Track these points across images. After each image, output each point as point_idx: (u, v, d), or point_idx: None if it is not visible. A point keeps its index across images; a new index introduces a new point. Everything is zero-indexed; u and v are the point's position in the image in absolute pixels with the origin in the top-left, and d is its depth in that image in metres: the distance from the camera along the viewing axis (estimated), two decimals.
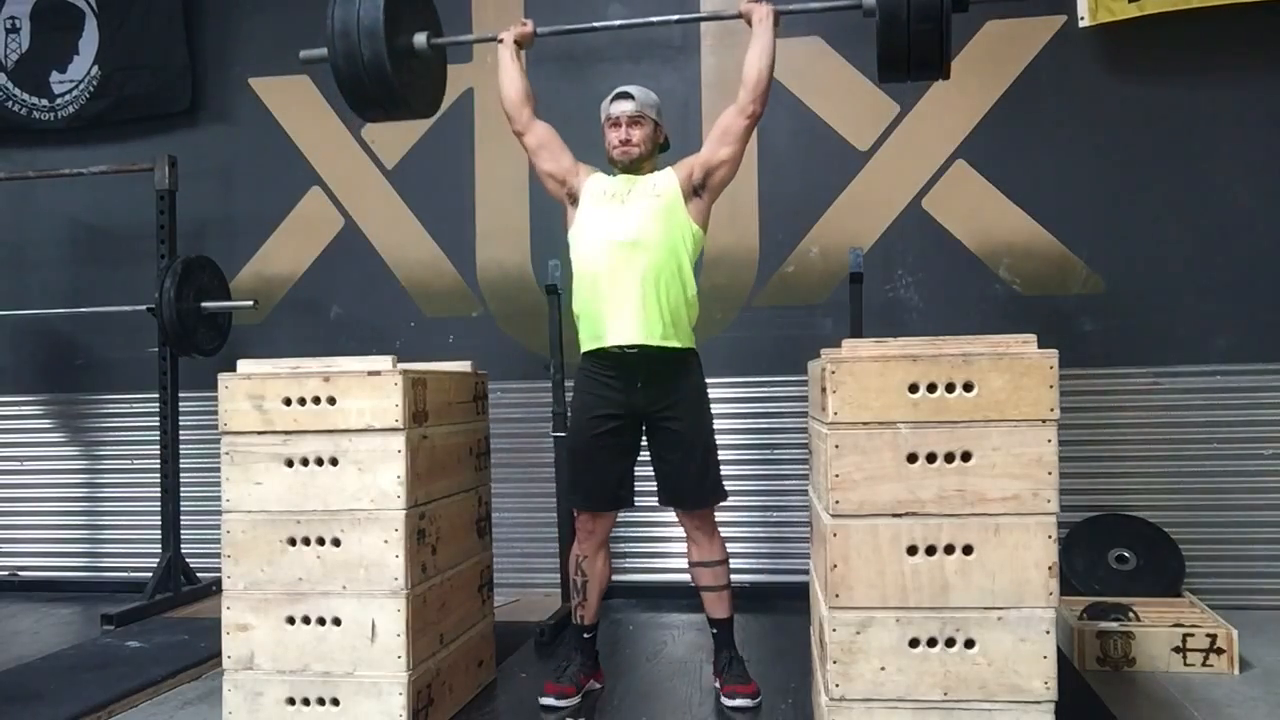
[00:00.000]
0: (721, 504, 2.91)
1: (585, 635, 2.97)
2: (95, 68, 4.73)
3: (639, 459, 2.94)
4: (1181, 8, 3.78)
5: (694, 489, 2.85)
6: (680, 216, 2.83)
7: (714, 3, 4.33)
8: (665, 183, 2.86)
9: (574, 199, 2.93)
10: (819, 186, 4.23)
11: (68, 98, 4.77)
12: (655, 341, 2.75)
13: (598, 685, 3.00)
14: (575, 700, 2.86)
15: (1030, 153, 4.09)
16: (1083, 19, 3.91)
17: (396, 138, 4.53)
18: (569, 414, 2.98)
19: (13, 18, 4.84)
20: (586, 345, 2.86)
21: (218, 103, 4.73)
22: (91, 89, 4.74)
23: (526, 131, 2.97)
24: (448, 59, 3.43)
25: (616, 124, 2.88)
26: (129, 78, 4.70)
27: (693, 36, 4.34)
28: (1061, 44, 4.03)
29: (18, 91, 4.81)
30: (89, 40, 4.76)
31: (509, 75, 3.01)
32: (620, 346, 2.76)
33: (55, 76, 4.78)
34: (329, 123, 4.59)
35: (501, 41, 3.05)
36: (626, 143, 2.86)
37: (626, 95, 2.88)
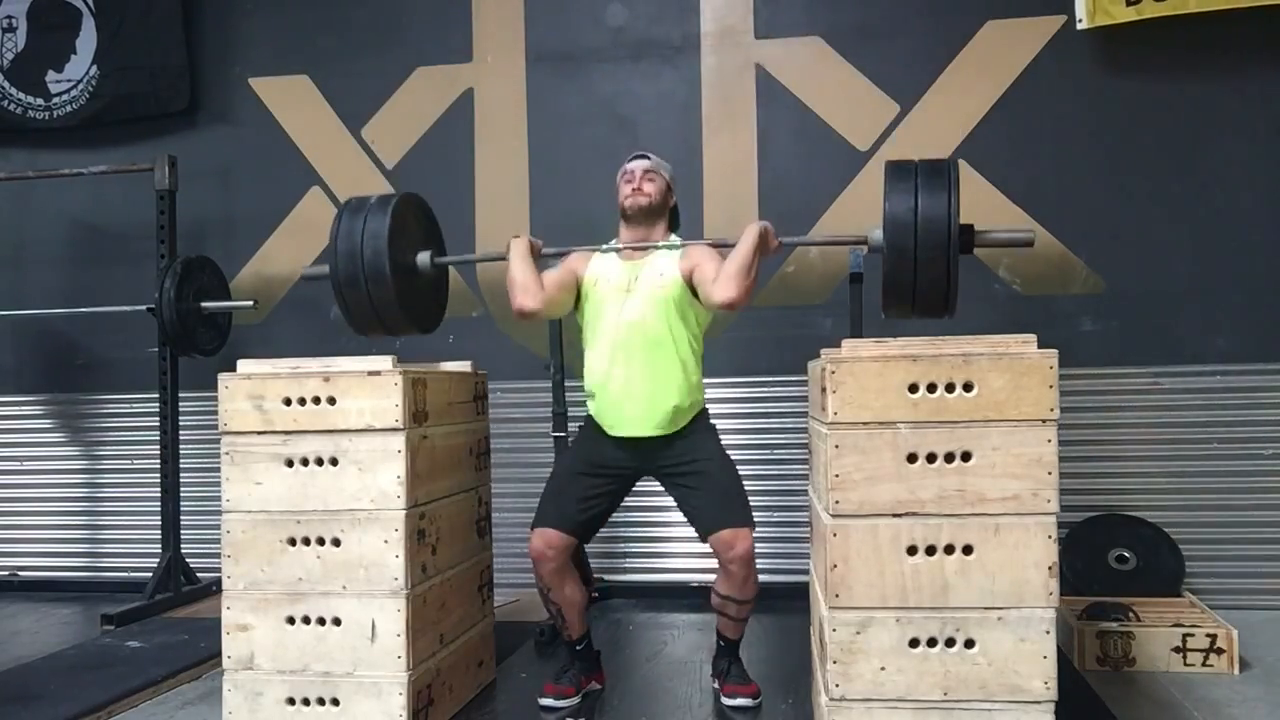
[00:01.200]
0: (753, 532, 2.78)
1: (577, 648, 2.94)
2: (94, 67, 4.73)
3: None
4: (1179, 13, 3.79)
5: (715, 515, 2.74)
6: (685, 301, 2.80)
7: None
8: (669, 270, 2.81)
9: (579, 289, 2.91)
10: (819, 186, 4.23)
11: (65, 97, 4.77)
12: (663, 432, 2.77)
13: (598, 686, 3.00)
14: (575, 701, 2.86)
15: (1030, 153, 4.09)
16: (1080, 21, 3.92)
17: (396, 138, 4.53)
18: (569, 445, 2.97)
19: (9, 17, 4.83)
20: (594, 413, 2.85)
21: (218, 103, 4.73)
22: (90, 89, 4.74)
23: (542, 299, 2.81)
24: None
25: (630, 178, 2.86)
26: (127, 78, 4.70)
27: (693, 36, 4.34)
28: (1061, 44, 4.03)
29: (14, 91, 4.81)
30: (86, 40, 4.76)
31: (527, 264, 2.83)
32: (631, 437, 2.77)
33: (52, 76, 4.78)
34: (329, 123, 4.59)
35: (510, 247, 2.91)
36: (638, 191, 2.84)
37: (642, 155, 2.91)
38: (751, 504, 4.13)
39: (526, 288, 2.80)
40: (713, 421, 2.90)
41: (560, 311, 2.95)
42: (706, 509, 2.76)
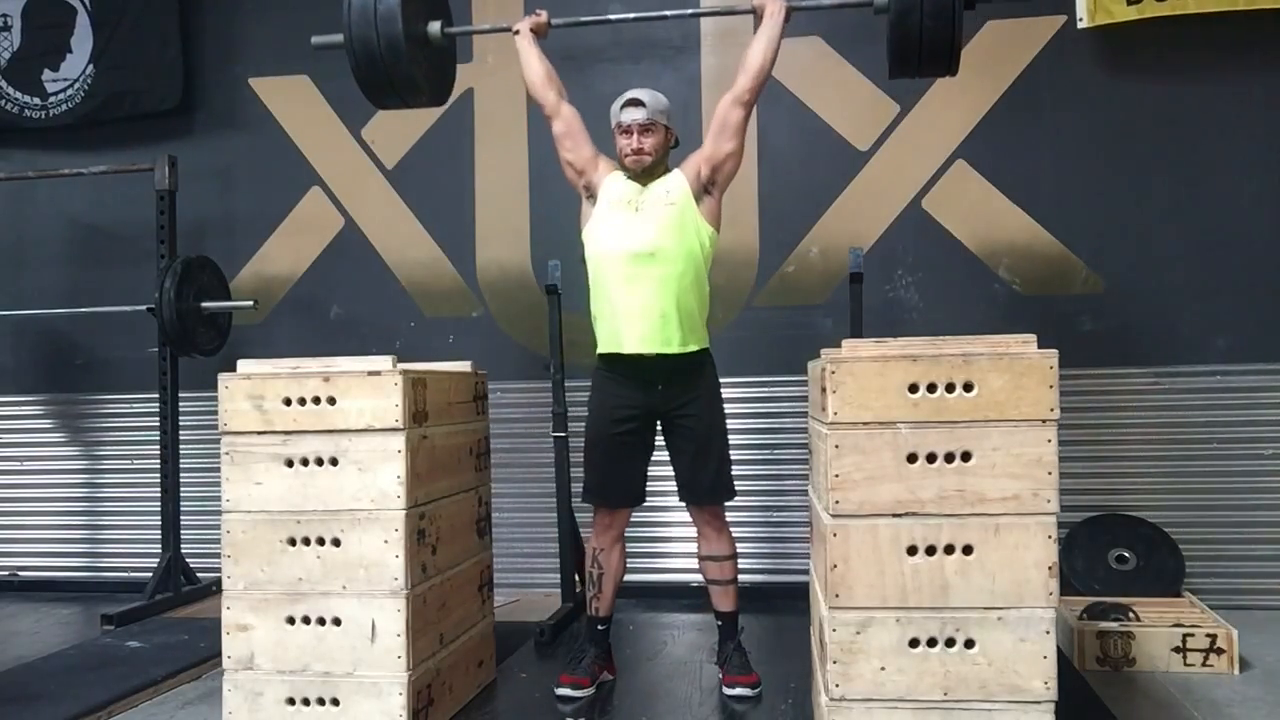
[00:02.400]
0: (730, 501, 2.99)
1: (600, 627, 3.03)
2: (90, 66, 4.73)
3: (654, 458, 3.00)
4: (1180, 13, 3.79)
5: (709, 485, 2.92)
6: (694, 221, 2.87)
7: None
8: (677, 187, 2.89)
9: (591, 193, 2.97)
10: (819, 186, 4.23)
11: (60, 96, 4.76)
12: (673, 349, 2.82)
13: (610, 677, 3.04)
14: (590, 691, 2.90)
15: (1030, 153, 4.09)
16: (1081, 20, 3.91)
17: (396, 138, 4.53)
18: (587, 412, 3.01)
19: (4, 15, 4.83)
20: (604, 348, 2.91)
21: (218, 103, 4.72)
22: (85, 87, 4.73)
23: (555, 115, 3.00)
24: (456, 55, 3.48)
25: (628, 131, 2.89)
26: (122, 75, 4.69)
27: (693, 36, 4.34)
28: (1062, 44, 4.03)
29: (10, 90, 4.81)
30: (82, 38, 4.75)
31: (531, 62, 3.04)
32: (639, 354, 2.82)
33: (47, 75, 4.78)
34: (329, 123, 4.59)
35: (517, 32, 3.08)
36: (639, 151, 2.89)
37: (638, 102, 2.89)
38: (751, 504, 4.19)
39: (535, 88, 3.02)
40: (718, 381, 2.99)
41: (562, 153, 3.01)
42: (694, 480, 2.91)
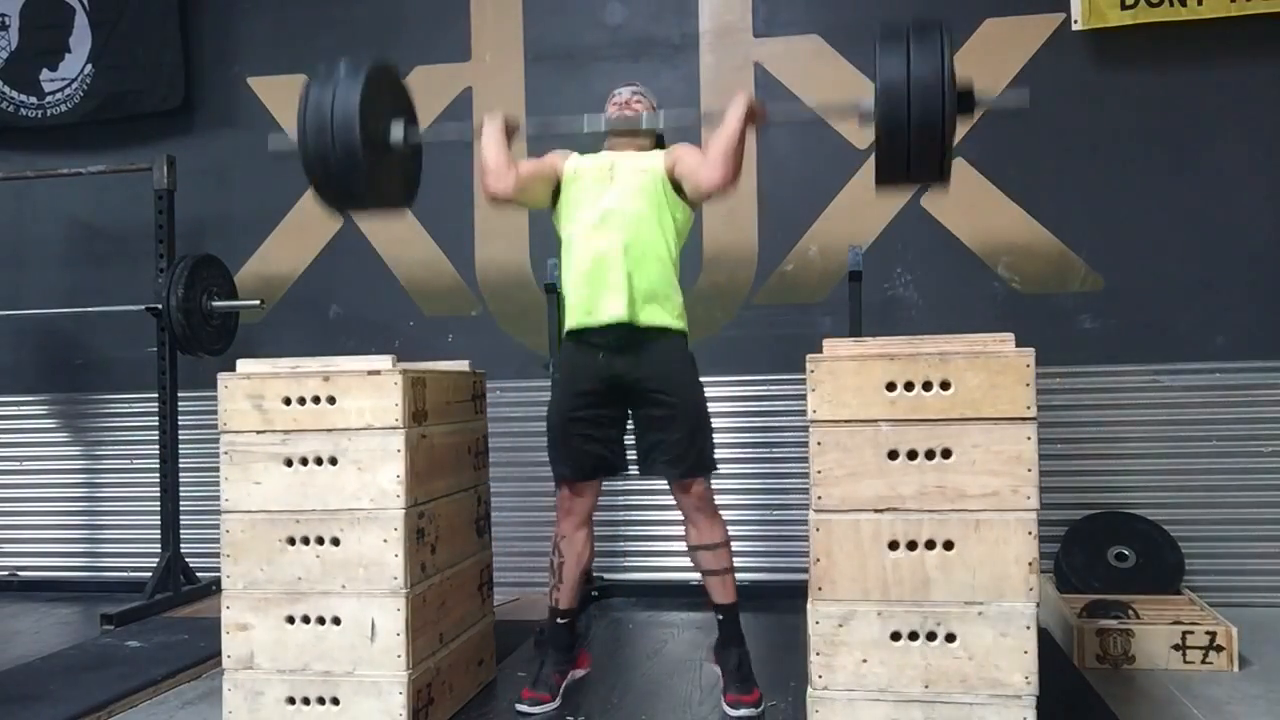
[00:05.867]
0: (715, 476, 2.82)
1: (560, 620, 2.88)
2: (89, 66, 4.73)
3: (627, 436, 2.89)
4: (1171, 20, 3.79)
5: (678, 456, 2.73)
6: (667, 194, 2.78)
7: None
8: (652, 161, 2.82)
9: (557, 185, 2.88)
10: (818, 185, 4.23)
11: (59, 96, 4.76)
12: (639, 320, 2.70)
13: (581, 672, 2.94)
14: (554, 705, 2.77)
15: (1030, 151, 4.09)
16: (1076, 23, 3.91)
17: None
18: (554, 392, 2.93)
19: (2, 14, 4.83)
20: (570, 323, 2.80)
21: (217, 102, 4.72)
22: (85, 87, 4.73)
23: (514, 182, 2.78)
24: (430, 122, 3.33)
25: (618, 101, 2.94)
26: (121, 75, 4.69)
27: (692, 35, 4.34)
28: (1060, 42, 4.03)
29: (8, 90, 4.81)
30: (80, 38, 4.75)
31: (500, 152, 2.80)
32: (603, 324, 2.71)
33: (45, 74, 4.78)
34: None
35: (484, 125, 2.86)
36: (625, 105, 2.90)
37: (630, 83, 3.00)
38: (751, 503, 4.19)
39: (498, 171, 2.76)
40: (693, 354, 2.83)
41: (533, 200, 2.91)
42: (663, 452, 2.74)
